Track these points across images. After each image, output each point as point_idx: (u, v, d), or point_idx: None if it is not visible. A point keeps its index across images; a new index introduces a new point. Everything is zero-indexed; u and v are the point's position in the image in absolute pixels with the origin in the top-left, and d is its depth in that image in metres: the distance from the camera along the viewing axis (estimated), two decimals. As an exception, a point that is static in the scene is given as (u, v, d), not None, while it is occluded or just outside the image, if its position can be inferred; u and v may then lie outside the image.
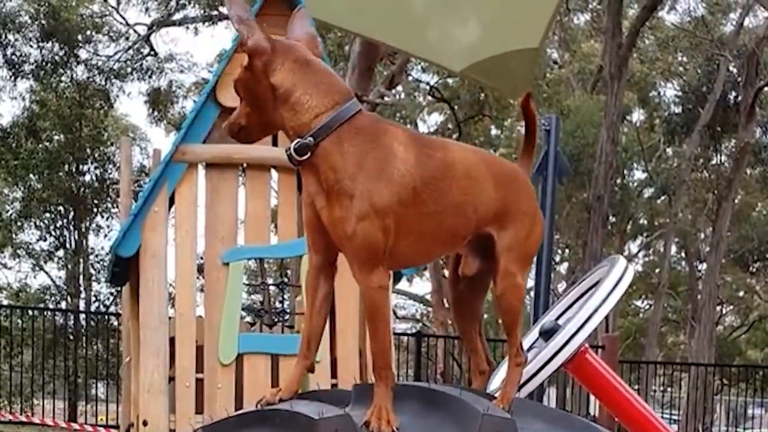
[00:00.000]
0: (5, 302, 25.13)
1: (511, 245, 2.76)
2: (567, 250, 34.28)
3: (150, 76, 26.75)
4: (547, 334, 3.21)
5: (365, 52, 15.51)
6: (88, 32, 25.33)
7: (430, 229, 2.68)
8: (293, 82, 2.62)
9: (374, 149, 2.58)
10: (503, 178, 2.81)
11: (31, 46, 24.37)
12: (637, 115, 33.77)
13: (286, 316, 7.73)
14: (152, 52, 26.95)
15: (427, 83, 29.03)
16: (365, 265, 2.60)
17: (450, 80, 27.47)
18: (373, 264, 2.60)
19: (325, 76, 2.64)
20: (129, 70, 26.08)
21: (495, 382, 3.10)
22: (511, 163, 2.94)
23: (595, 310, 3.12)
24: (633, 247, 36.31)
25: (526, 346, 2.93)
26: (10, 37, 24.04)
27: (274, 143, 6.44)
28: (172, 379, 6.30)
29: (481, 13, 9.36)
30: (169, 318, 6.35)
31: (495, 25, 9.34)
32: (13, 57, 24.19)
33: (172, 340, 6.29)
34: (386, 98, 24.16)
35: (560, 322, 3.29)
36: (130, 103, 62.25)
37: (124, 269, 6.58)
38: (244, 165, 6.56)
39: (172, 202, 6.45)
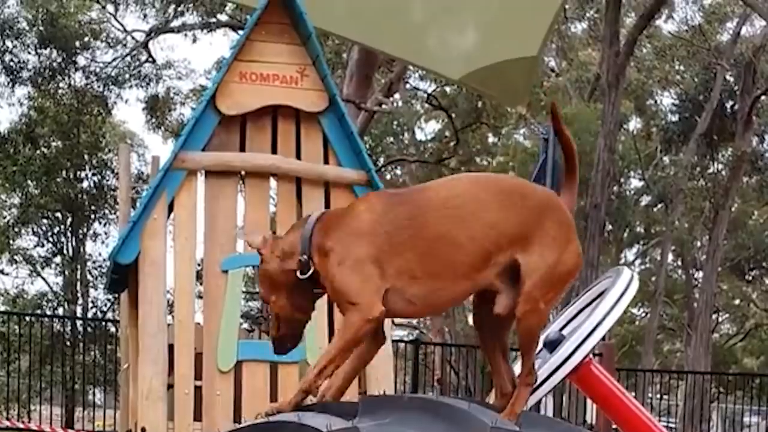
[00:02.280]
0: (2, 308, 25.10)
1: (534, 269, 2.78)
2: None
3: (148, 83, 26.78)
4: (552, 345, 3.21)
5: (363, 59, 15.53)
6: (86, 39, 25.35)
7: (432, 266, 2.81)
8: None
9: (343, 219, 2.91)
10: (519, 201, 2.84)
11: (29, 53, 24.40)
12: (634, 124, 33.81)
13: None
14: (150, 59, 26.97)
15: (425, 91, 29.05)
16: (346, 304, 2.84)
17: (448, 88, 27.50)
18: (351, 304, 2.82)
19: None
20: (127, 76, 26.10)
21: None
22: (536, 187, 2.98)
23: (600, 321, 3.11)
24: (630, 254, 36.35)
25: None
26: (8, 43, 24.07)
27: (274, 150, 6.46)
28: (170, 386, 6.30)
29: (479, 22, 9.39)
30: (168, 325, 6.35)
31: (493, 33, 9.36)
32: (11, 63, 24.21)
33: (170, 347, 6.29)
34: (384, 106, 24.17)
35: (565, 332, 3.28)
36: (128, 110, 62.25)
37: (123, 276, 6.59)
38: (244, 173, 6.57)
39: (171, 209, 6.46)
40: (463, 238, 2.78)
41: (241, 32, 6.73)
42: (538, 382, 3.03)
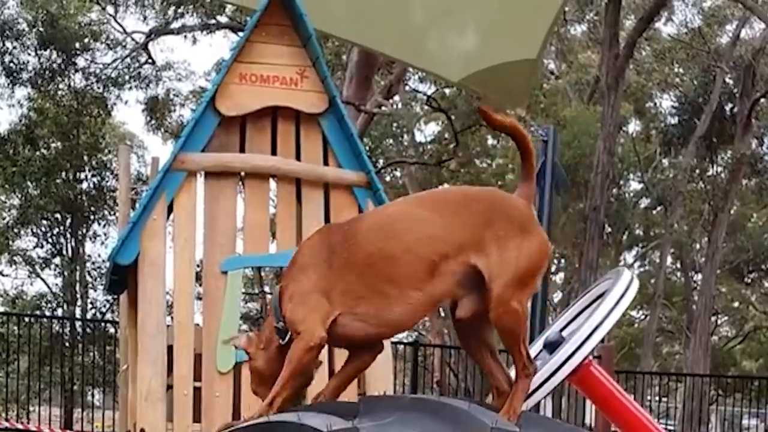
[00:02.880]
0: (1, 309, 25.09)
1: (498, 272, 2.80)
2: (563, 260, 34.29)
3: (147, 85, 26.79)
4: (552, 347, 3.21)
5: (363, 61, 15.53)
6: (86, 40, 25.35)
7: (373, 283, 2.90)
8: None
9: (291, 260, 3.11)
10: (461, 208, 2.88)
11: (29, 54, 24.40)
12: (634, 126, 33.83)
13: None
14: (150, 61, 26.97)
15: (425, 93, 29.05)
16: (294, 334, 2.98)
17: (447, 90, 27.50)
18: (296, 331, 2.95)
19: None
20: (127, 78, 26.09)
21: None
22: (479, 190, 3.00)
23: (600, 323, 3.11)
24: (629, 257, 36.36)
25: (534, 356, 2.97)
26: (8, 44, 24.07)
27: (273, 152, 6.46)
28: (169, 387, 6.31)
29: (479, 23, 9.39)
30: (167, 326, 6.36)
31: (493, 35, 9.37)
32: (11, 64, 24.21)
33: (170, 348, 6.29)
34: (383, 108, 24.18)
35: (565, 334, 3.29)
36: (128, 111, 62.36)
37: (123, 277, 6.59)
38: (243, 174, 6.57)
39: (170, 210, 6.46)
40: (397, 251, 2.85)
41: (240, 34, 6.74)
42: (538, 383, 3.03)
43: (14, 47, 24.14)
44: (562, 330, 3.35)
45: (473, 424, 2.46)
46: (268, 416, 2.66)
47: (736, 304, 38.90)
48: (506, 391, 2.89)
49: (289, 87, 6.37)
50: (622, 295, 3.17)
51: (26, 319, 18.35)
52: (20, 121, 24.68)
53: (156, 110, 27.59)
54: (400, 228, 2.86)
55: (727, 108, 28.59)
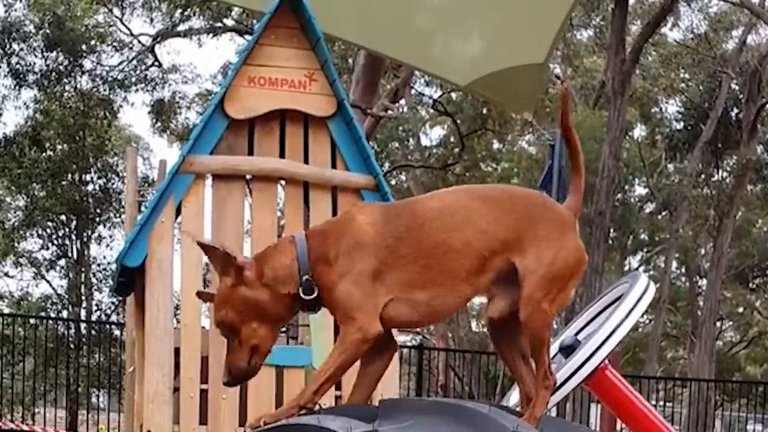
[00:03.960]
0: (7, 311, 25.12)
1: (532, 270, 2.81)
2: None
3: (154, 87, 26.79)
4: (568, 350, 3.20)
5: (369, 65, 15.54)
6: (93, 42, 25.36)
7: (433, 274, 2.86)
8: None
9: (344, 230, 2.91)
10: (508, 205, 2.89)
11: (35, 56, 24.41)
12: (639, 131, 33.80)
13: (290, 328, 7.73)
14: (156, 63, 27.00)
15: (431, 97, 29.05)
16: (345, 318, 2.85)
17: (453, 94, 27.49)
18: (351, 317, 2.83)
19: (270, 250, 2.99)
20: (133, 80, 26.10)
21: (512, 399, 3.11)
22: (524, 190, 3.02)
23: (617, 327, 3.10)
24: (633, 262, 36.32)
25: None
26: (15, 46, 24.08)
27: (281, 155, 6.47)
28: (176, 389, 6.31)
29: (486, 28, 9.40)
30: (174, 328, 6.36)
31: (500, 40, 9.37)
32: (18, 66, 24.22)
33: (176, 351, 6.30)
34: (390, 111, 24.18)
35: (580, 337, 3.28)
36: (134, 114, 62.45)
37: (130, 279, 6.59)
38: (251, 177, 6.58)
39: (178, 212, 6.47)
40: (459, 244, 2.83)
41: (247, 37, 6.76)
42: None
43: (21, 49, 24.15)
44: (577, 333, 3.34)
45: (494, 427, 2.46)
46: (288, 419, 2.64)
47: (740, 310, 38.87)
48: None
49: (298, 90, 6.38)
50: (639, 300, 3.16)
51: (31, 321, 18.37)
52: (26, 123, 24.70)
53: (162, 113, 27.60)
54: (461, 220, 2.86)
55: (733, 113, 28.55)
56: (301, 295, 2.86)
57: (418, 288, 2.84)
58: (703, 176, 30.67)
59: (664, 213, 32.48)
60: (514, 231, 2.83)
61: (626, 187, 31.24)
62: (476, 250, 2.82)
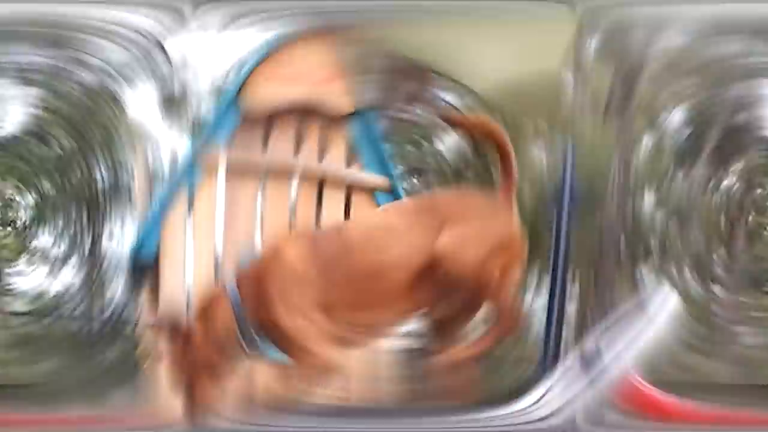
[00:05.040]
0: (23, 309, 25.11)
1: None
2: (578, 272, 34.22)
3: (164, 81, 26.83)
4: (588, 359, 3.16)
5: (389, 65, 15.51)
6: (101, 37, 25.40)
7: (366, 296, 2.91)
8: None
9: (275, 274, 3.14)
10: (432, 214, 3.03)
11: (41, 52, 24.43)
12: (647, 139, 33.81)
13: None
14: (166, 58, 27.05)
15: (446, 101, 29.00)
16: (300, 352, 3.01)
17: (469, 99, 27.45)
18: (307, 350, 2.98)
19: None
20: (142, 75, 26.14)
21: None
22: (447, 193, 3.12)
23: (638, 336, 3.07)
24: (644, 271, 36.25)
25: (564, 371, 2.91)
26: (20, 42, 24.11)
27: (296, 151, 6.43)
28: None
29: (502, 34, 9.36)
30: (187, 324, 6.32)
31: (513, 46, 9.33)
32: (23, 63, 24.25)
33: (189, 345, 6.25)
34: (406, 114, 24.16)
35: (601, 346, 3.24)
36: (144, 108, 62.49)
37: (142, 275, 6.57)
38: (265, 173, 6.54)
39: (190, 207, 6.44)
40: (390, 263, 2.80)
41: (264, 32, 6.72)
42: (574, 394, 2.99)
43: (25, 45, 24.19)
44: (599, 342, 3.29)
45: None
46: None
47: (755, 314, 38.78)
48: None
49: (316, 87, 6.35)
50: (662, 310, 3.13)
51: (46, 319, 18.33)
52: (33, 120, 24.76)
53: (172, 107, 27.66)
54: (389, 239, 3.06)
55: (741, 118, 28.53)
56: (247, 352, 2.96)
57: (359, 310, 2.84)
58: (712, 182, 30.66)
59: (674, 220, 32.49)
60: (440, 237, 2.82)
61: (636, 196, 31.23)
62: (408, 266, 2.81)
